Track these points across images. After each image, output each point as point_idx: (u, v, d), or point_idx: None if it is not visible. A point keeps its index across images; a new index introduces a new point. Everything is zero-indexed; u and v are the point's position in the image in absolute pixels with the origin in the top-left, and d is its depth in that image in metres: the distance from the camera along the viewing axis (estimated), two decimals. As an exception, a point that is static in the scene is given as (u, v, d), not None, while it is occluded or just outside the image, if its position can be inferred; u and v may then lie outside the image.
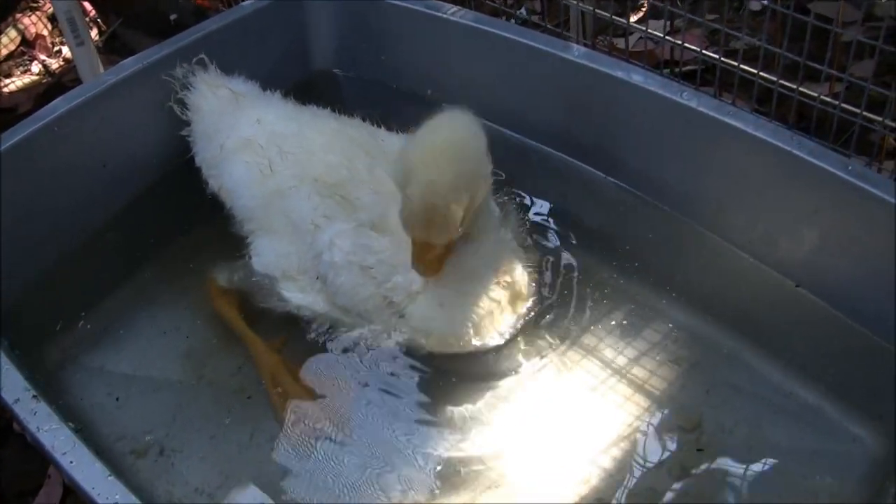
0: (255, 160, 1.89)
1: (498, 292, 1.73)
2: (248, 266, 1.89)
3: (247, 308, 1.90)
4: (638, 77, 1.94)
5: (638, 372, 1.77)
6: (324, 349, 1.82)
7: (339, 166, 1.80)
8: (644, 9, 2.61)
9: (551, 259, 1.95)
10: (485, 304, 1.72)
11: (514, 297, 1.79)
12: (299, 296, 1.83)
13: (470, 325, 1.72)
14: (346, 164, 1.80)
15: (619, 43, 2.30)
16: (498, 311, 1.75)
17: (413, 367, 1.78)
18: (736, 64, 1.96)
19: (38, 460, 1.96)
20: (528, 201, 2.07)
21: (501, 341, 1.78)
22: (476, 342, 1.75)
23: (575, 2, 2.20)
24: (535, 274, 1.87)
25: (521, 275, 1.79)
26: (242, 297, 1.91)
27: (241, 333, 1.87)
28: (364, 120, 2.01)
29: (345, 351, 1.81)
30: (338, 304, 1.78)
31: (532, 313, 1.84)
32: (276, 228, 1.85)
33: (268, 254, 1.86)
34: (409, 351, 1.79)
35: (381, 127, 2.00)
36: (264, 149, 1.89)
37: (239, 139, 1.93)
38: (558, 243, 1.99)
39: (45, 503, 1.90)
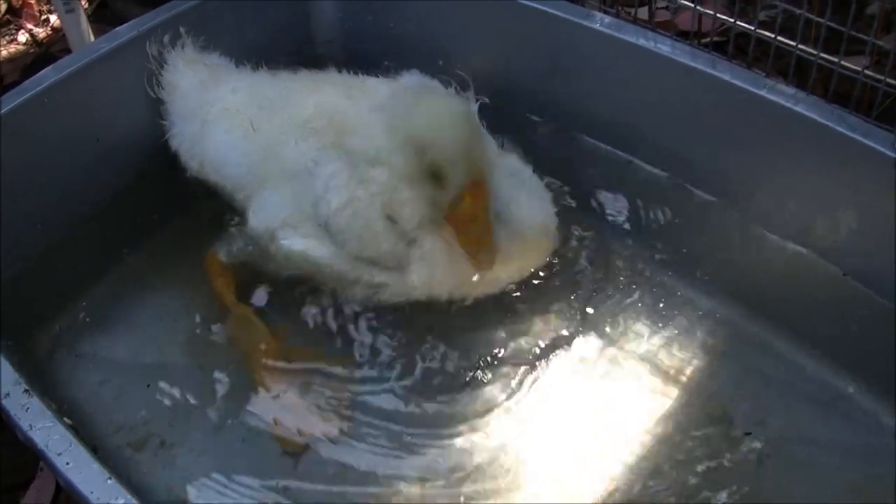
0: (235, 124, 1.84)
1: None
2: (247, 231, 1.81)
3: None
4: (665, 47, 1.84)
5: (666, 359, 1.71)
6: (329, 335, 1.76)
7: (322, 111, 1.77)
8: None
9: (572, 237, 1.88)
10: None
11: (538, 235, 1.72)
12: (302, 241, 1.75)
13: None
14: (328, 107, 1.76)
15: (633, 12, 2.20)
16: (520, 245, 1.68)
17: (420, 354, 1.73)
18: (773, 36, 1.85)
19: (30, 453, 1.86)
20: (546, 182, 1.96)
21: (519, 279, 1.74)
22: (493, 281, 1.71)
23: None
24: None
25: (548, 215, 1.74)
26: (241, 266, 1.84)
27: (239, 316, 1.80)
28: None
29: (350, 341, 1.75)
30: (347, 249, 1.70)
31: (556, 269, 1.79)
32: (270, 183, 1.79)
33: (265, 207, 1.78)
34: (417, 313, 1.73)
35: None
36: (243, 111, 1.84)
37: (219, 110, 1.88)
38: (579, 225, 1.91)
39: (35, 500, 1.80)
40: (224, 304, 1.81)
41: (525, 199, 1.69)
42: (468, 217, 1.55)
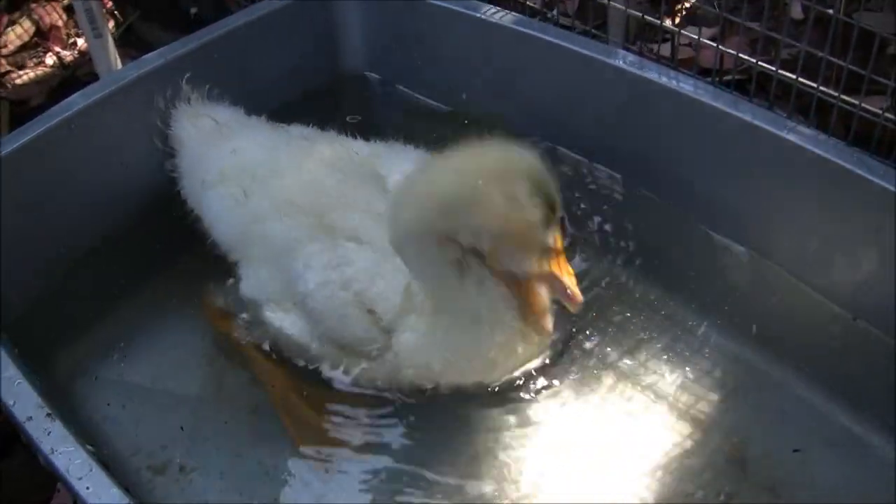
0: (230, 191, 1.84)
1: (512, 316, 1.62)
2: (236, 290, 1.83)
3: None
4: (687, 86, 1.86)
5: (682, 398, 1.70)
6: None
7: (309, 187, 1.76)
8: (683, 13, 2.53)
9: (590, 274, 1.88)
10: (499, 329, 1.62)
11: (535, 327, 1.67)
12: (282, 316, 1.75)
13: (484, 353, 1.64)
14: (316, 184, 1.76)
15: (656, 48, 2.22)
16: (518, 338, 1.65)
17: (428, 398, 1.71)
18: (794, 77, 1.87)
19: (46, 472, 1.88)
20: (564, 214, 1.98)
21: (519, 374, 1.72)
22: (491, 375, 1.69)
23: (623, 7, 2.11)
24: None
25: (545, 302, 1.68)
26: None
27: (246, 353, 1.81)
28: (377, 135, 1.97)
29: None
30: (322, 334, 1.70)
31: (558, 346, 1.76)
32: (256, 255, 1.80)
33: (251, 279, 1.80)
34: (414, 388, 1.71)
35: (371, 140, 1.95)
36: (238, 178, 1.85)
37: (216, 173, 1.89)
38: (597, 259, 1.92)
39: (53, 519, 1.82)
40: (238, 350, 1.82)
41: None
42: (550, 277, 1.52)
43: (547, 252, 1.51)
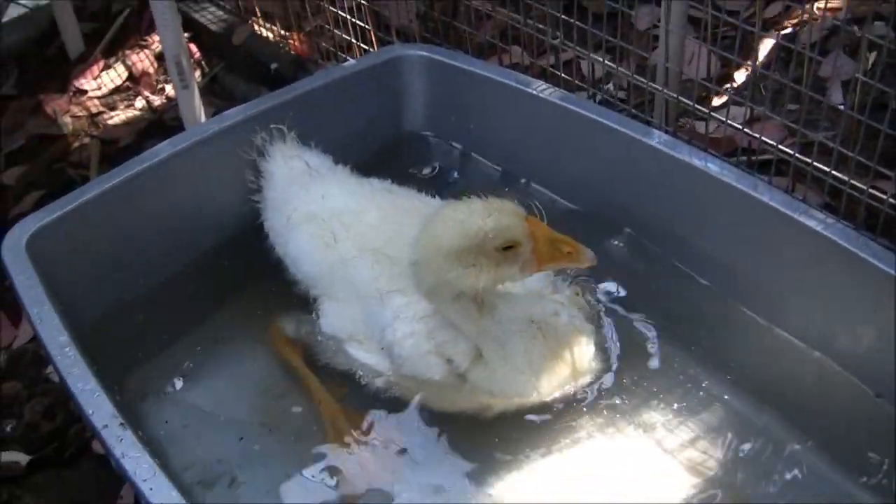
0: (319, 232, 2.00)
1: (541, 342, 1.81)
2: (317, 325, 1.99)
3: (309, 357, 2.01)
4: (714, 167, 2.00)
5: (688, 453, 1.82)
6: (384, 403, 1.91)
7: (396, 239, 1.90)
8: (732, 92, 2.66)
9: (616, 332, 2.02)
10: (533, 353, 1.80)
11: (575, 364, 1.86)
12: (365, 355, 1.92)
13: (529, 375, 1.81)
14: (400, 237, 1.87)
15: (700, 126, 2.36)
16: (556, 364, 1.83)
17: (462, 429, 1.87)
18: (809, 161, 2.01)
19: (112, 480, 2.07)
20: (593, 279, 2.12)
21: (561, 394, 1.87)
22: (537, 394, 1.84)
23: (660, 89, 2.27)
24: (598, 349, 1.93)
25: (585, 348, 1.88)
26: (306, 348, 2.02)
27: (304, 379, 1.98)
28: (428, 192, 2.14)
29: (403, 407, 1.90)
30: (402, 373, 1.87)
31: (594, 383, 1.91)
32: (340, 296, 1.96)
33: (335, 318, 1.97)
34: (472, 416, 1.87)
35: (436, 196, 2.13)
36: (327, 222, 2.01)
37: (305, 212, 2.05)
38: (624, 317, 2.05)
39: (115, 523, 2.02)
40: (295, 374, 1.99)
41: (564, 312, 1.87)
42: (547, 240, 1.69)
43: (530, 260, 1.69)
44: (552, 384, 1.84)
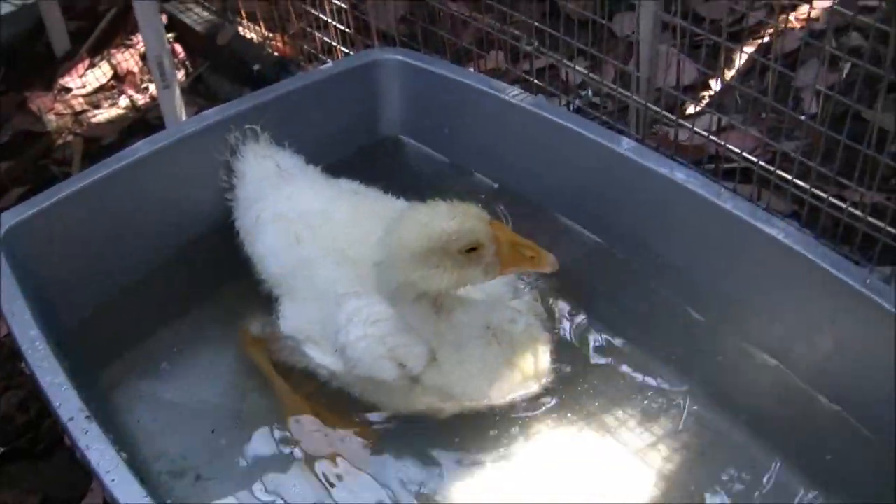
0: (285, 231, 2.03)
1: (496, 348, 1.84)
2: (276, 325, 2.02)
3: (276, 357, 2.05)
4: (680, 175, 2.04)
5: (648, 456, 1.86)
6: (347, 402, 1.96)
7: (359, 242, 1.93)
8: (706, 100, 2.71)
9: (575, 334, 2.06)
10: (488, 358, 1.83)
11: (529, 370, 1.89)
12: (320, 356, 1.95)
13: (482, 380, 1.84)
14: (364, 239, 1.90)
15: (673, 133, 2.40)
16: (509, 370, 1.86)
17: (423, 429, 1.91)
18: (772, 170, 2.05)
19: (83, 473, 2.10)
20: (557, 281, 2.15)
21: (512, 399, 1.90)
22: (488, 399, 1.87)
23: (630, 96, 2.31)
24: (554, 353, 1.95)
25: (540, 355, 1.91)
26: (270, 348, 2.06)
27: (269, 378, 2.02)
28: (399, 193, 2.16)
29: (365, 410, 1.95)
30: (356, 374, 1.90)
31: (550, 387, 1.94)
32: (301, 296, 1.98)
33: (293, 318, 1.99)
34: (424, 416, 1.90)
35: (403, 199, 2.13)
36: (293, 222, 2.04)
37: (273, 212, 2.08)
38: (584, 324, 2.09)
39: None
40: (262, 372, 2.03)
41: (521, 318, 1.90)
42: (510, 244, 1.73)
43: (493, 263, 1.73)
44: (504, 389, 1.87)
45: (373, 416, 1.95)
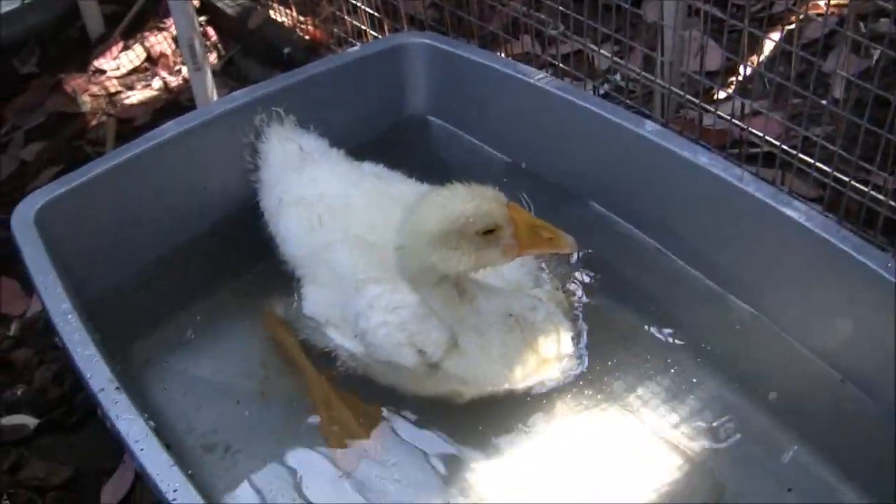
0: (306, 215, 2.06)
1: (518, 334, 1.86)
2: (298, 306, 2.05)
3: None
4: (703, 158, 2.05)
5: (671, 437, 1.87)
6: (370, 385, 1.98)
7: (380, 226, 1.95)
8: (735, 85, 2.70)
9: (597, 320, 2.07)
10: (509, 344, 1.85)
11: (552, 352, 1.92)
12: (340, 339, 1.98)
13: (502, 366, 1.86)
14: (385, 223, 1.91)
15: (688, 116, 2.41)
16: (529, 356, 1.88)
17: (446, 412, 1.93)
18: (794, 154, 2.05)
19: (115, 446, 2.15)
20: (577, 261, 2.17)
21: (532, 384, 1.92)
22: (508, 384, 1.89)
23: (654, 80, 2.32)
24: (575, 339, 1.98)
25: (561, 342, 1.93)
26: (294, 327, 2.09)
27: (295, 359, 2.05)
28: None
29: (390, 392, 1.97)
30: (375, 358, 1.93)
31: (572, 370, 1.96)
32: (321, 279, 2.02)
33: (314, 301, 2.03)
34: (444, 400, 1.93)
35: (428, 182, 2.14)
36: (315, 205, 2.06)
37: (295, 195, 2.10)
38: (606, 306, 2.11)
39: (117, 484, 2.10)
40: (287, 354, 2.06)
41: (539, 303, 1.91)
42: (528, 225, 1.74)
43: (511, 245, 1.73)
44: (525, 374, 1.89)
45: (394, 403, 1.96)
